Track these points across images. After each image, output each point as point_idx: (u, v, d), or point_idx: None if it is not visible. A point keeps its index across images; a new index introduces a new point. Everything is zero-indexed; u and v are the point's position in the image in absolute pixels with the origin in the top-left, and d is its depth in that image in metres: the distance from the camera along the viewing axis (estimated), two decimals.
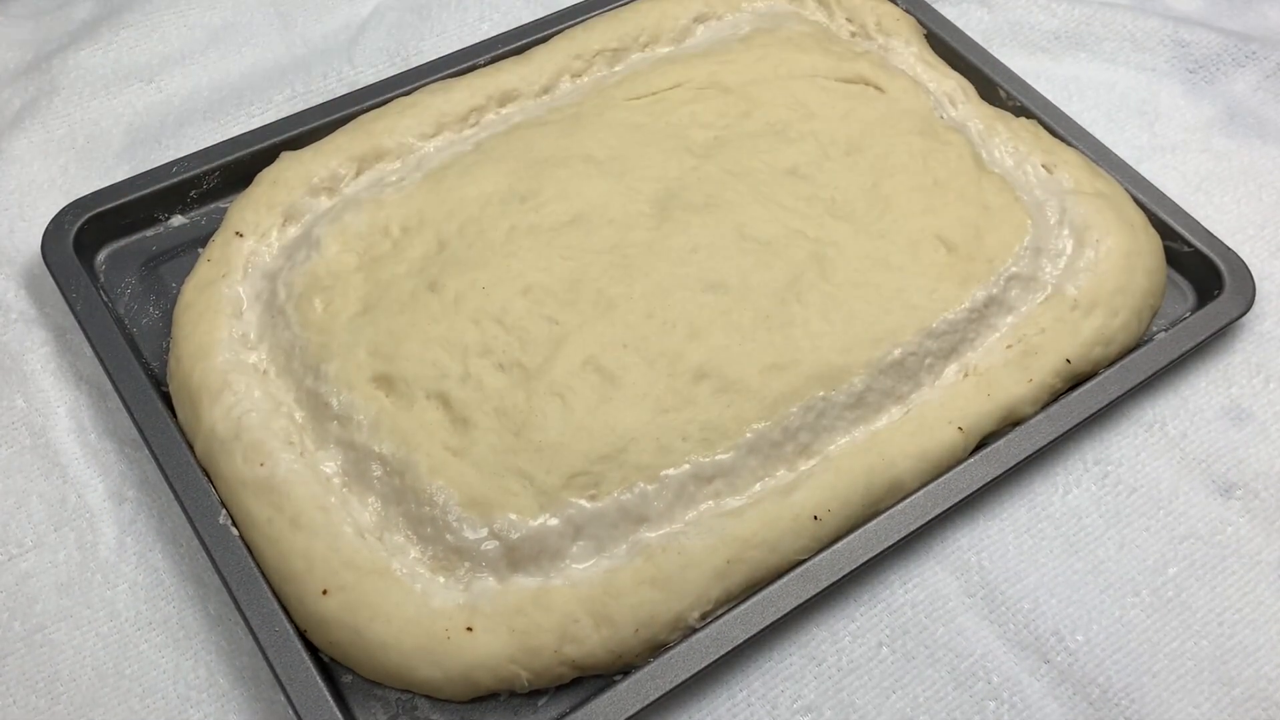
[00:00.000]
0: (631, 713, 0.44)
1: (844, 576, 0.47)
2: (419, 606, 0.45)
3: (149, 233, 0.59)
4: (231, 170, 0.60)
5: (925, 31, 0.68)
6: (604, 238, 0.54)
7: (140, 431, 0.50)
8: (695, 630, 0.46)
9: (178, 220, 0.60)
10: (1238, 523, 0.52)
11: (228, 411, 0.49)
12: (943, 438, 0.50)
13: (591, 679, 0.46)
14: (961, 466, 0.50)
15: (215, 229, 0.57)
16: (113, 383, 0.51)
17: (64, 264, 0.55)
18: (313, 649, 0.45)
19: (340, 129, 0.60)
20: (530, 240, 0.54)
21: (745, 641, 0.45)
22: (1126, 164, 0.62)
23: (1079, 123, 0.64)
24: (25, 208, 0.60)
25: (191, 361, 0.51)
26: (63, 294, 0.54)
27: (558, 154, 0.58)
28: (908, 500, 0.49)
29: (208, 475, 0.49)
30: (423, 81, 0.63)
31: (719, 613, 0.46)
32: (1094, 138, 0.63)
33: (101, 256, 0.58)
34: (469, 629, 0.44)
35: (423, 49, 0.69)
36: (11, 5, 0.70)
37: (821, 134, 0.59)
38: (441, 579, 0.46)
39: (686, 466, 0.48)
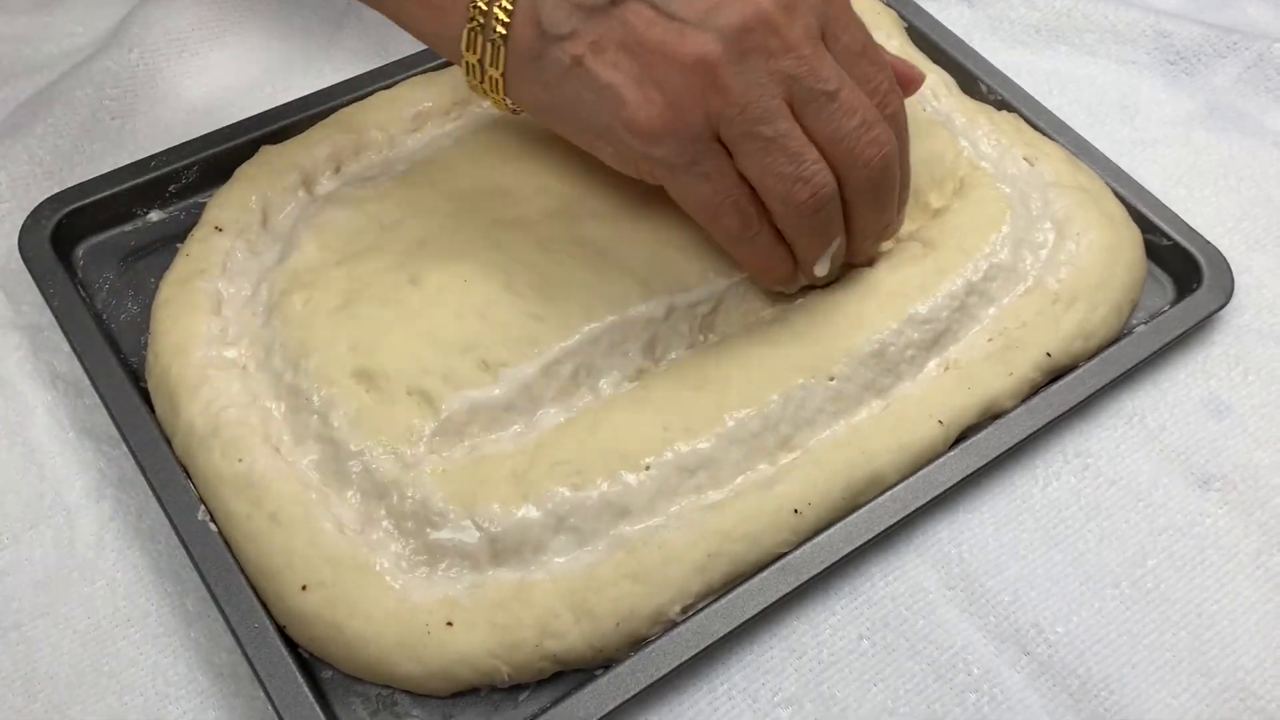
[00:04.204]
0: (612, 707, 0.44)
1: (824, 569, 0.47)
2: (399, 602, 0.45)
3: (127, 228, 0.59)
4: (210, 165, 0.59)
5: (906, 25, 0.68)
6: (588, 231, 0.54)
7: (118, 428, 0.50)
8: (676, 624, 0.46)
9: (156, 215, 0.59)
10: (1216, 514, 0.52)
11: (206, 407, 0.49)
12: (923, 431, 0.50)
13: (572, 673, 0.46)
14: (942, 460, 0.50)
15: (194, 224, 0.56)
16: (90, 379, 0.51)
17: (41, 259, 0.55)
18: (292, 645, 0.45)
19: (320, 123, 0.60)
20: (513, 234, 0.54)
21: (726, 635, 0.45)
22: (1107, 158, 0.62)
23: (1060, 117, 0.64)
24: (1, 201, 0.60)
25: (169, 357, 0.51)
26: (40, 289, 0.54)
27: (540, 148, 0.57)
28: (888, 493, 0.49)
29: (186, 471, 0.48)
30: (404, 75, 0.63)
31: (700, 606, 0.46)
32: (1075, 131, 0.63)
33: (79, 251, 0.58)
34: (449, 624, 0.44)
35: (404, 42, 0.69)
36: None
37: None
38: (422, 574, 0.46)
39: (669, 455, 0.48)
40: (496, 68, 0.48)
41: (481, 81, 0.49)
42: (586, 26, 0.45)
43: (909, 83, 0.53)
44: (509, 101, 0.50)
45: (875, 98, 0.48)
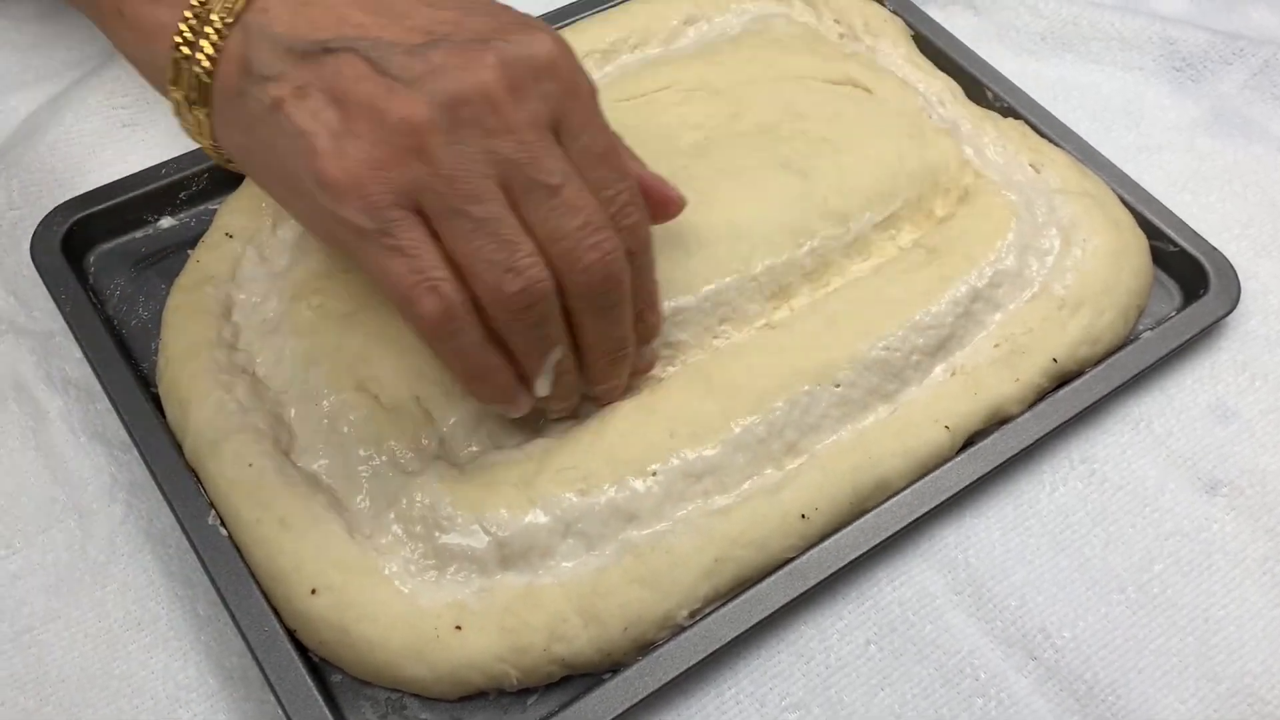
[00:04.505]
0: (620, 711, 0.44)
1: (832, 575, 0.47)
2: (408, 605, 0.45)
3: (138, 234, 0.59)
4: (221, 172, 0.59)
5: (913, 33, 0.68)
6: None
7: (129, 433, 0.50)
8: (684, 629, 0.46)
9: (167, 222, 0.60)
10: (1223, 520, 0.52)
11: (216, 413, 0.49)
12: (930, 436, 0.50)
13: (580, 677, 0.46)
14: (948, 465, 0.50)
15: (205, 230, 0.57)
16: (102, 384, 0.51)
17: (53, 266, 0.55)
18: (302, 648, 0.45)
19: None
20: None
21: (733, 640, 0.46)
22: (1113, 164, 0.62)
23: (1065, 123, 0.64)
24: (14, 209, 0.60)
25: (180, 363, 0.51)
26: (52, 296, 0.54)
27: None
28: (895, 499, 0.49)
29: (196, 476, 0.49)
30: None
31: (707, 611, 0.46)
32: (1081, 138, 0.63)
33: (91, 258, 0.58)
34: (458, 628, 0.45)
35: None
36: (12, 7, 0.70)
37: (811, 134, 0.59)
38: (431, 578, 0.46)
39: (675, 462, 0.48)
40: (202, 107, 0.44)
41: (187, 123, 0.45)
42: (295, 71, 0.41)
43: (667, 203, 0.49)
44: (218, 147, 0.46)
45: (611, 206, 0.44)
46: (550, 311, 0.43)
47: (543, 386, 0.45)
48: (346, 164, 0.40)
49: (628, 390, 0.50)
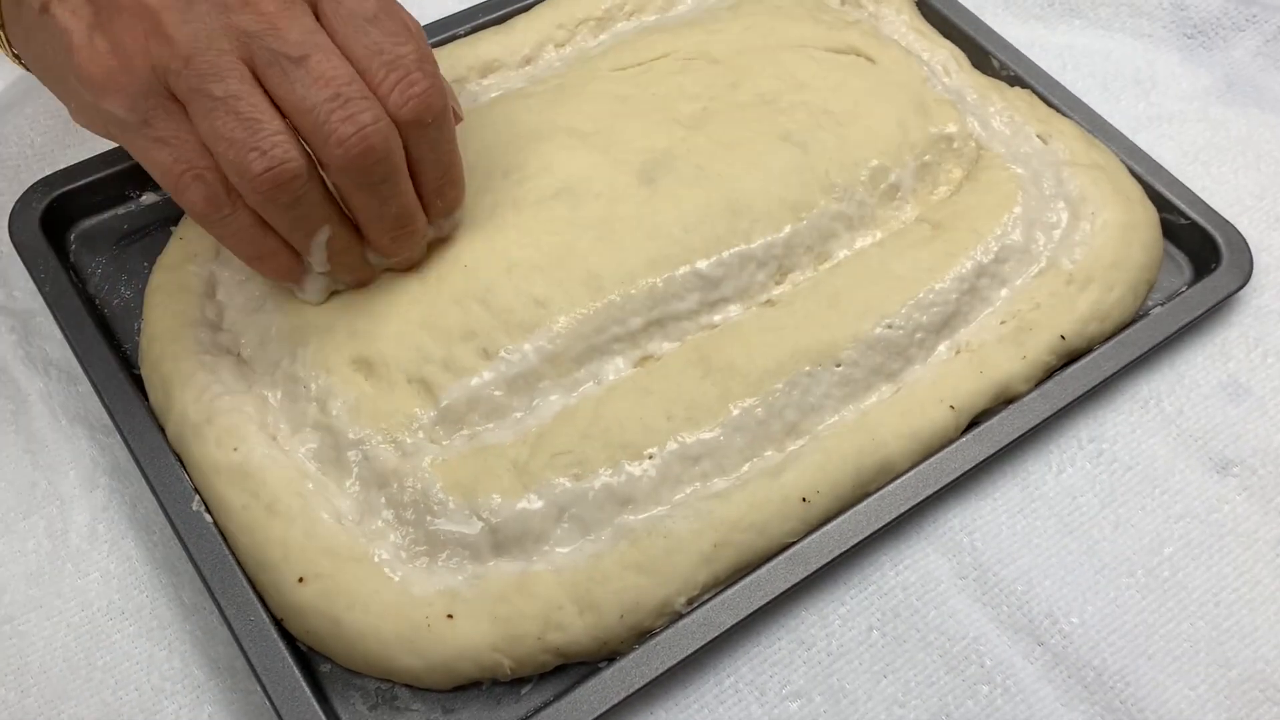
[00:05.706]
0: (617, 700, 0.43)
1: (833, 559, 0.46)
2: (399, 594, 0.44)
3: (120, 210, 0.58)
4: None
5: (916, 0, 0.67)
6: (591, 211, 0.53)
7: (111, 416, 0.49)
8: (682, 616, 0.45)
9: (149, 198, 0.58)
10: (1235, 500, 0.51)
11: (200, 395, 0.48)
12: (934, 416, 0.49)
13: (576, 666, 0.45)
14: (953, 446, 0.49)
15: None
16: (83, 366, 0.50)
17: (31, 244, 0.54)
18: (290, 638, 0.44)
19: None
20: (514, 215, 0.53)
21: (733, 627, 0.45)
22: (1122, 134, 0.61)
23: (1074, 92, 0.62)
24: None
25: (163, 344, 0.50)
26: (31, 275, 0.53)
27: (541, 126, 0.56)
28: (898, 481, 0.48)
29: (180, 460, 0.48)
30: None
31: (706, 598, 0.45)
32: (1089, 108, 0.62)
33: (71, 236, 0.57)
34: (450, 616, 0.44)
35: None
36: None
37: (812, 105, 0.58)
38: (422, 564, 0.45)
39: (673, 445, 0.47)
40: None
41: None
42: None
43: None
44: (17, 55, 0.48)
45: (392, 72, 0.42)
46: (306, 192, 0.42)
47: (317, 264, 0.46)
48: (98, 57, 0.41)
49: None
